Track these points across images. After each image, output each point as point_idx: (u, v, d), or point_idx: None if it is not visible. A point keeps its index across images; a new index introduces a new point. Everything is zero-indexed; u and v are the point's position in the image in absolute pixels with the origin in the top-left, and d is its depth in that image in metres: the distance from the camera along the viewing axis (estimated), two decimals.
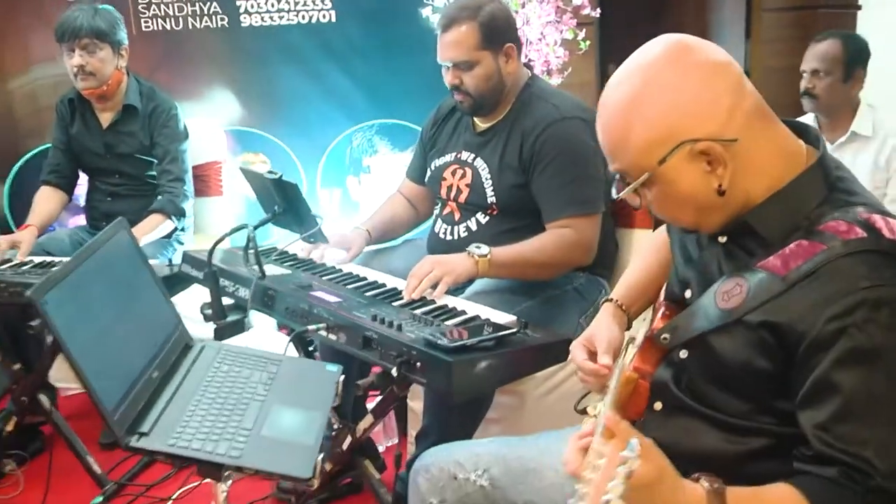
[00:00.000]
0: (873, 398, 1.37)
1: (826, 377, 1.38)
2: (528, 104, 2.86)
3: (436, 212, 3.08)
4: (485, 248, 2.57)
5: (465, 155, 2.96)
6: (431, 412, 2.66)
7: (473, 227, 2.90)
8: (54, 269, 3.02)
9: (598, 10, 3.98)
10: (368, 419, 2.55)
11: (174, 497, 3.11)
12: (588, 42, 4.06)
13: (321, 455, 2.49)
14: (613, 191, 1.63)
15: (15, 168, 4.33)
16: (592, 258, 2.77)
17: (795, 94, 3.68)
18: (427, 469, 1.93)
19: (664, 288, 1.90)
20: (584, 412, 2.01)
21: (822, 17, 4.66)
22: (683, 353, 1.65)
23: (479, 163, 2.90)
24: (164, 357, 2.05)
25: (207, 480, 3.11)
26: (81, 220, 4.04)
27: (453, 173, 2.98)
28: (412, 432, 3.07)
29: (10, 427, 3.18)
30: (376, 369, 2.36)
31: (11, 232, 3.33)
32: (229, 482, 1.93)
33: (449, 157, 3.02)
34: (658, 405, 1.68)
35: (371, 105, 4.42)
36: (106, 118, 3.67)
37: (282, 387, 2.10)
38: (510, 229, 2.80)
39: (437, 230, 3.02)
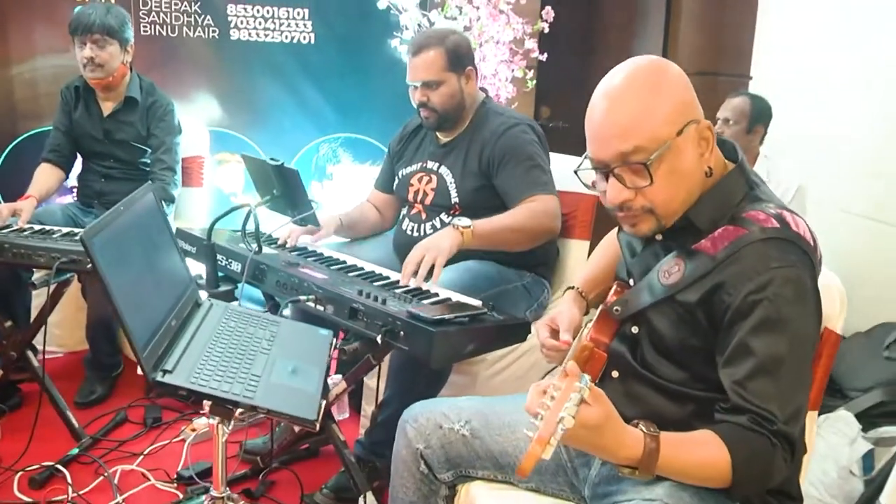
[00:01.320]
0: (778, 360, 1.50)
1: (743, 341, 1.52)
2: (484, 119, 2.94)
3: (403, 212, 3.10)
4: (467, 220, 2.59)
5: (430, 164, 3.01)
6: (395, 383, 2.65)
7: (438, 224, 2.93)
8: (55, 234, 3.02)
9: (546, 55, 4.04)
10: (342, 385, 2.56)
11: (145, 453, 3.05)
12: (534, 81, 4.12)
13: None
14: (609, 184, 1.61)
15: (9, 147, 4.20)
16: (559, 228, 2.82)
17: None
18: (415, 419, 1.97)
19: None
20: None
21: (721, 82, 4.82)
22: (635, 329, 1.74)
23: (444, 170, 2.95)
24: (180, 308, 2.02)
25: (178, 439, 3.12)
26: (67, 199, 3.94)
27: (420, 179, 3.01)
28: (367, 407, 3.08)
29: None
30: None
31: None
32: (230, 426, 1.90)
33: (415, 167, 3.06)
34: (615, 373, 1.76)
35: (339, 120, 4.40)
36: (108, 107, 3.60)
37: (283, 344, 2.09)
38: None
39: (404, 227, 3.04)
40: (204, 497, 2.05)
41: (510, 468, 1.91)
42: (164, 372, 1.77)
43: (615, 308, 1.75)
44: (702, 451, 1.52)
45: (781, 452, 1.50)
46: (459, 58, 2.88)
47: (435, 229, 2.91)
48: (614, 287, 1.83)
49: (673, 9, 4.84)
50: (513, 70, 4.05)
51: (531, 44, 4.03)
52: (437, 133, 3.03)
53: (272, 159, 2.70)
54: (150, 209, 2.07)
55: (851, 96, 3.79)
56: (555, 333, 1.96)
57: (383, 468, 2.77)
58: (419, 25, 4.10)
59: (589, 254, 3.15)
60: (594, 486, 1.80)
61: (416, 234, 2.97)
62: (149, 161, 3.62)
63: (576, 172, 1.69)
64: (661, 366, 1.70)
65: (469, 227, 2.58)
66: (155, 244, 2.04)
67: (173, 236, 2.17)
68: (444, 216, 2.93)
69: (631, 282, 1.81)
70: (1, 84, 4.19)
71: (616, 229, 2.09)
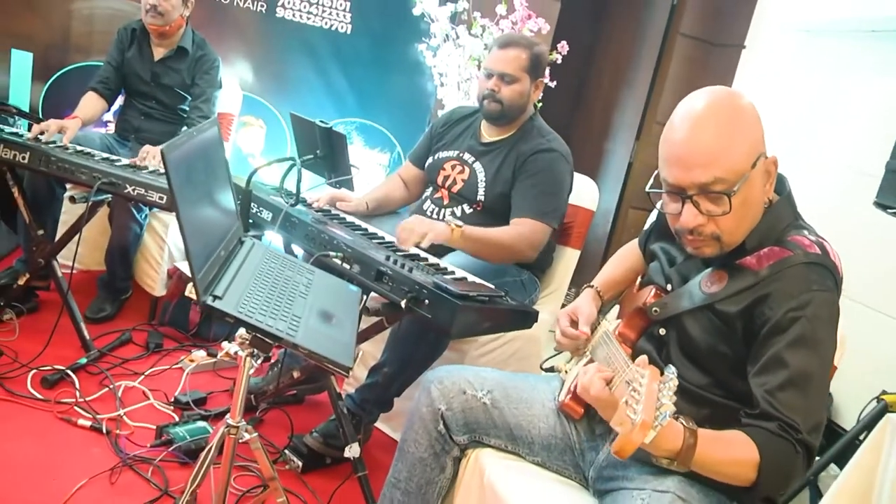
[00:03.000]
0: (808, 377, 1.41)
1: (779, 354, 1.42)
2: (529, 132, 2.75)
3: (427, 193, 2.89)
4: (460, 222, 2.42)
5: (467, 156, 2.80)
6: (395, 350, 2.47)
7: (458, 214, 2.74)
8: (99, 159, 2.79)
9: (555, 82, 3.89)
10: None
11: (146, 373, 2.85)
12: (541, 104, 3.97)
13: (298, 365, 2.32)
14: (684, 210, 1.49)
15: (56, 74, 3.93)
16: (534, 257, 2.64)
17: None
18: (441, 381, 1.83)
19: (640, 279, 1.87)
20: (550, 370, 1.92)
21: None
22: (662, 331, 1.63)
23: (478, 166, 2.76)
24: (228, 241, 1.82)
25: (177, 366, 2.90)
26: (101, 131, 3.69)
27: (453, 167, 2.81)
28: (354, 367, 2.89)
29: (21, 282, 2.90)
30: None
31: (40, 122, 2.99)
32: (259, 360, 1.71)
33: (452, 153, 2.85)
34: None
35: (358, 106, 4.19)
36: (159, 52, 3.38)
37: (318, 292, 1.89)
38: (487, 225, 2.60)
39: (425, 208, 2.83)
40: (215, 424, 1.85)
41: (521, 441, 1.78)
42: (215, 297, 1.57)
43: (654, 309, 1.62)
44: (734, 450, 1.40)
45: (803, 460, 1.40)
46: (539, 67, 2.71)
47: (454, 216, 2.74)
48: (652, 290, 1.68)
49: (658, 78, 4.75)
50: None
51: None
52: (484, 129, 2.83)
53: (321, 122, 2.50)
54: (214, 141, 1.86)
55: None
56: (574, 324, 1.83)
57: (367, 424, 2.60)
58: (447, 36, 3.93)
59: (578, 262, 3.01)
60: (600, 469, 1.67)
61: (434, 216, 2.78)
62: (187, 108, 3.39)
63: (647, 193, 1.58)
64: (684, 368, 1.57)
65: (461, 227, 2.40)
66: (215, 175, 1.83)
67: (230, 172, 1.96)
68: (465, 207, 2.75)
69: (669, 287, 1.66)
70: (60, 15, 3.94)
71: (639, 239, 1.97)
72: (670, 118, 1.51)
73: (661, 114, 4.78)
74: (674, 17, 4.43)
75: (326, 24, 4.07)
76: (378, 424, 2.73)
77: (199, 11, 3.80)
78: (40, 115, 3.87)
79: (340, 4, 4.05)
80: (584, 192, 3.03)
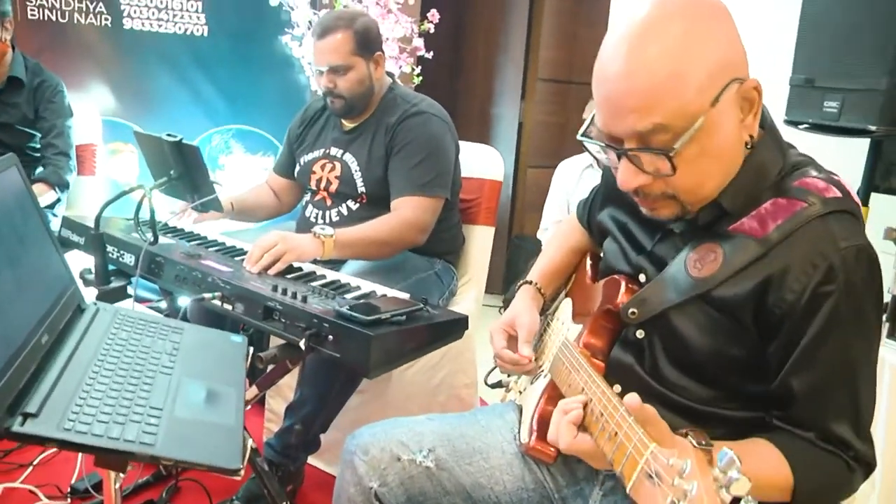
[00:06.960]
0: (853, 365, 0.98)
1: (810, 347, 0.97)
2: (392, 104, 2.20)
3: (306, 198, 2.33)
4: (329, 230, 1.88)
5: (333, 150, 2.25)
6: (310, 383, 1.94)
7: (344, 212, 2.20)
8: None
9: (432, 53, 3.34)
10: (253, 390, 1.80)
11: (34, 463, 2.18)
12: (421, 77, 3.43)
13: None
14: (621, 167, 0.99)
15: None
16: (425, 238, 2.12)
17: (555, 142, 3.64)
18: (366, 450, 1.23)
19: (589, 262, 1.37)
20: (497, 385, 1.42)
21: (574, 88, 4.48)
22: (640, 334, 1.09)
23: (349, 157, 2.20)
24: (54, 319, 1.22)
25: None
26: None
27: (322, 167, 2.25)
28: (271, 402, 2.32)
29: None
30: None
31: None
32: (124, 474, 1.14)
33: (317, 153, 2.29)
34: (617, 388, 1.08)
35: (231, 111, 3.55)
36: None
37: (189, 358, 1.32)
38: (378, 215, 2.08)
39: (307, 215, 2.27)
40: None
41: (484, 503, 1.22)
42: (26, 417, 0.99)
43: (630, 311, 1.08)
44: (762, 470, 0.94)
45: (861, 476, 1.00)
46: (369, 42, 2.14)
47: (341, 216, 2.19)
48: (623, 284, 1.14)
49: (532, 35, 4.30)
50: (400, 66, 3.33)
51: (418, 42, 3.32)
52: (342, 119, 2.28)
53: (169, 135, 1.89)
54: (10, 187, 1.26)
55: None
56: (512, 341, 1.30)
57: (296, 471, 2.06)
58: (310, 23, 3.33)
59: (495, 240, 2.49)
60: None
61: (320, 220, 2.22)
62: (38, 146, 2.70)
63: (580, 140, 1.05)
64: (679, 381, 1.06)
65: (331, 236, 1.87)
66: (16, 234, 1.22)
67: (47, 224, 1.35)
68: (350, 203, 2.20)
69: (642, 277, 1.13)
70: None
71: (578, 211, 1.46)
72: (606, 43, 0.99)
73: (541, 70, 4.44)
74: None
75: (180, 29, 3.40)
76: (310, 461, 2.19)
77: (34, 36, 3.13)
78: None
79: (191, 6, 3.38)
80: (486, 162, 2.51)
